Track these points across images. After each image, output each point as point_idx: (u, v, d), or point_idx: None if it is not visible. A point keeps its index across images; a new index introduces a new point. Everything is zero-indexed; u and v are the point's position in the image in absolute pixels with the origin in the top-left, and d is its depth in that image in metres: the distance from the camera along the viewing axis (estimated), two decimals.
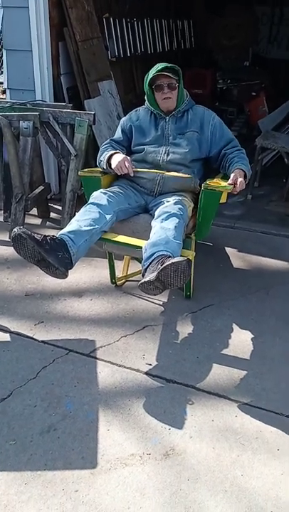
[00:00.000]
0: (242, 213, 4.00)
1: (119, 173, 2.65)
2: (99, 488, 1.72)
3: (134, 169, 2.65)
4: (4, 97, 4.20)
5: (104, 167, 2.70)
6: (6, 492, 1.70)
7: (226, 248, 3.42)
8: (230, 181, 2.50)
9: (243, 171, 2.55)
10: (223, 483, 1.74)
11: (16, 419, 1.99)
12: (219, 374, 2.25)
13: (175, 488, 1.72)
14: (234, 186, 2.48)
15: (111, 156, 2.67)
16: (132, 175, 2.64)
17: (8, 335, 2.49)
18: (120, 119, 3.23)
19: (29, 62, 3.79)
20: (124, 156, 2.66)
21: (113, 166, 2.63)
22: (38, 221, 3.86)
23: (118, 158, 2.63)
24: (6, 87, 3.98)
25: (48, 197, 4.03)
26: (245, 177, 2.55)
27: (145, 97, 2.72)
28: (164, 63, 2.61)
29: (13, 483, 1.73)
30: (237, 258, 3.30)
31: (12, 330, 2.52)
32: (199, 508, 1.65)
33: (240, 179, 2.49)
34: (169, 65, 2.59)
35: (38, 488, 1.71)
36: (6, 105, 3.62)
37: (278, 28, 6.85)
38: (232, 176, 2.52)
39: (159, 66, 2.58)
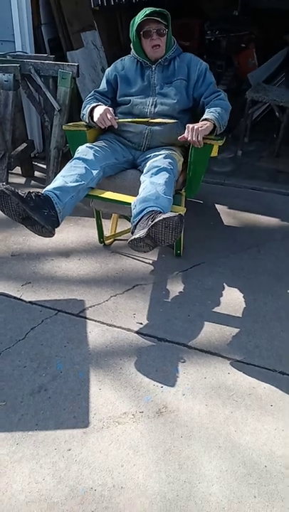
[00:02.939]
0: (232, 169, 3.92)
1: (102, 127, 2.51)
2: (92, 446, 1.70)
3: (118, 120, 2.52)
4: None
5: (87, 121, 2.56)
6: None
7: (216, 205, 3.35)
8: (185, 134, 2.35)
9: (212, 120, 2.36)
10: (217, 440, 1.73)
11: (6, 380, 1.95)
12: (211, 332, 2.22)
13: (168, 445, 1.71)
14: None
15: (93, 108, 2.53)
16: (115, 127, 2.51)
17: None
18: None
19: (7, 11, 3.57)
20: (105, 107, 2.51)
21: (95, 119, 2.49)
22: (22, 180, 3.74)
23: (100, 110, 2.49)
24: None
25: (32, 155, 3.89)
26: (215, 127, 2.37)
27: (131, 45, 2.57)
28: (152, 7, 2.44)
29: (4, 443, 1.71)
30: (228, 215, 3.24)
31: None
32: (193, 464, 1.65)
33: (191, 125, 2.32)
34: (158, 9, 2.43)
35: (30, 448, 1.69)
36: None
37: None
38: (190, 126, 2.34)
39: (147, 10, 2.41)
